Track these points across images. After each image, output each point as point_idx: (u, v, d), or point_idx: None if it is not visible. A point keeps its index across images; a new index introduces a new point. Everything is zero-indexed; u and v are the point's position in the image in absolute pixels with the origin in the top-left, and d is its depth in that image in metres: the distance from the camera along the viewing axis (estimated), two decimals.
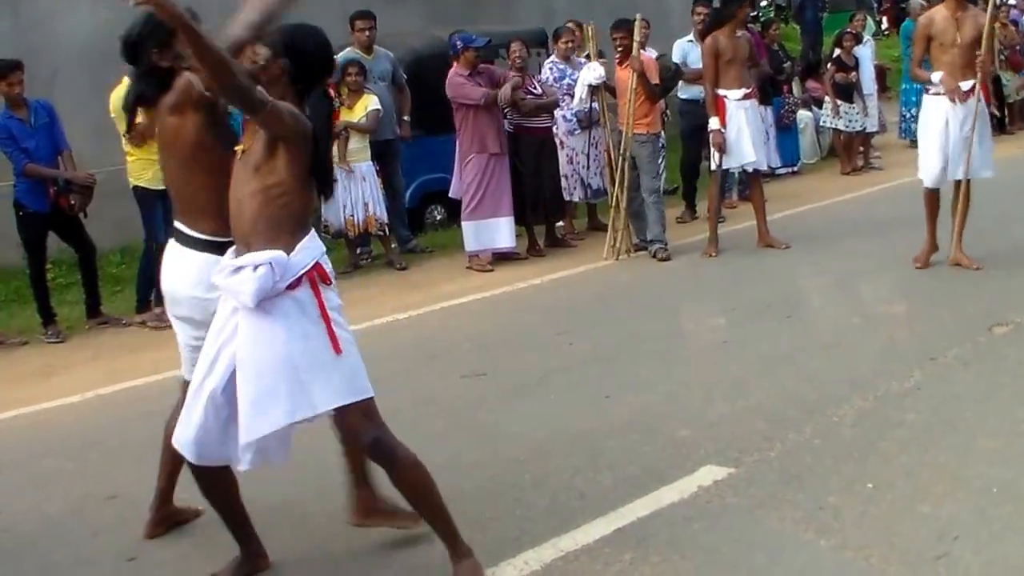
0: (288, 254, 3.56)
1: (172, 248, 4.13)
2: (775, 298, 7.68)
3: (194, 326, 4.06)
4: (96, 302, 8.57)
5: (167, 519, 4.43)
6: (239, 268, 3.56)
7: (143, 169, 8.44)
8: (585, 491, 4.56)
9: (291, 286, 3.58)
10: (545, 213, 10.20)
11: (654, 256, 9.40)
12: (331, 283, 3.70)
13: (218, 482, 3.88)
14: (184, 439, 3.70)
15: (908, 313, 6.97)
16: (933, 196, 7.97)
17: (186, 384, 4.17)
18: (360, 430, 3.71)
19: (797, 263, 8.81)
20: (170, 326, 4.38)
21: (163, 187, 8.47)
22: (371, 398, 3.69)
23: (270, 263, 3.51)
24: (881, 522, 4.10)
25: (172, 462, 4.25)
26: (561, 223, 10.72)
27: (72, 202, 8.03)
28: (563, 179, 10.38)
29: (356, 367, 3.68)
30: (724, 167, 9.38)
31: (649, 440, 5.08)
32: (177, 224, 4.12)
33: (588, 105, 10.16)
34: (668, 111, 11.09)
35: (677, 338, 6.93)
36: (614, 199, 9.65)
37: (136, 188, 8.50)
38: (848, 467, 4.62)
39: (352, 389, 3.63)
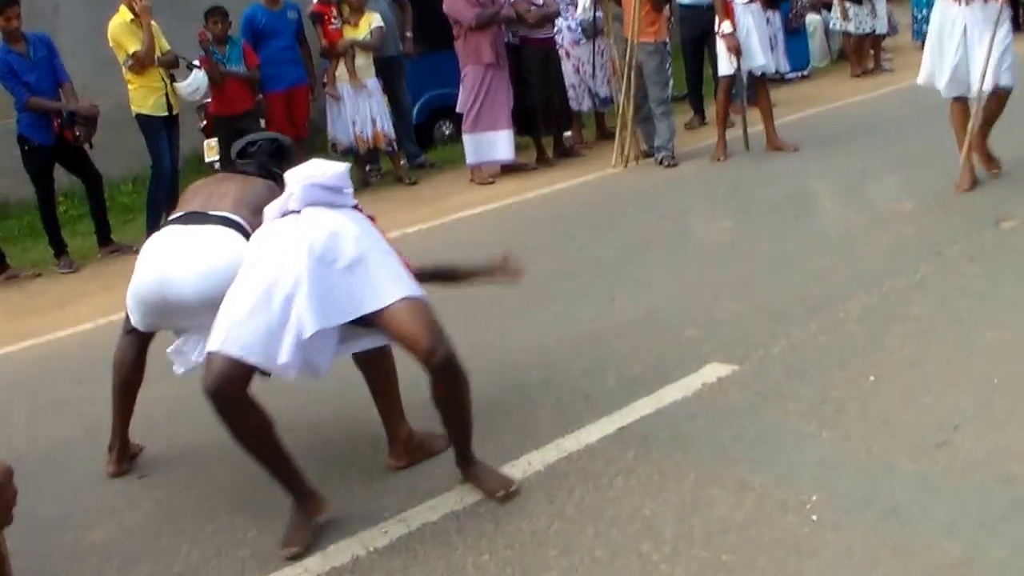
0: None
1: (213, 231, 3.91)
2: (783, 200, 7.60)
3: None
4: (106, 231, 8.58)
5: (127, 454, 4.39)
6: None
7: (145, 96, 8.42)
8: (590, 392, 4.55)
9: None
10: (549, 124, 10.10)
11: (660, 163, 9.34)
12: None
13: (256, 422, 3.48)
14: (248, 343, 3.36)
15: (915, 210, 6.87)
16: (960, 108, 7.20)
17: (128, 327, 4.17)
18: (437, 340, 3.47)
19: (805, 165, 8.71)
20: None
21: (166, 113, 8.51)
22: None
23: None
24: (883, 413, 4.07)
25: (126, 398, 4.24)
26: (569, 133, 10.63)
27: (77, 133, 8.00)
28: (570, 89, 10.26)
29: None
30: (739, 71, 9.19)
31: (655, 340, 5.06)
32: (219, 213, 3.96)
33: (592, 14, 10.01)
34: (673, 18, 10.91)
35: (684, 240, 6.87)
36: (621, 108, 9.53)
37: (139, 116, 8.48)
38: (852, 361, 4.58)
39: (421, 289, 3.64)
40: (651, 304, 5.62)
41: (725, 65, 9.13)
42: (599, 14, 9.95)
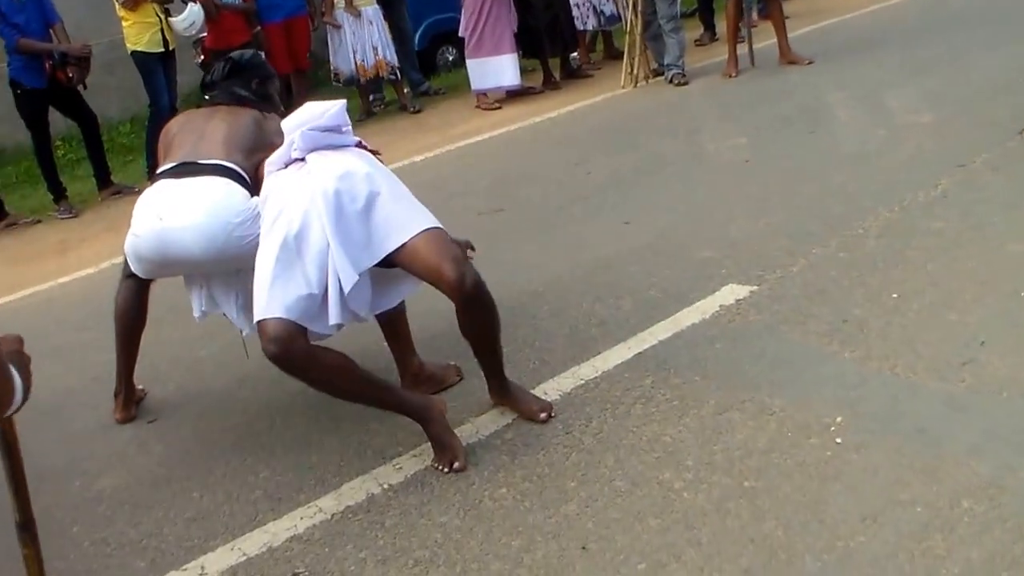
0: None
1: (213, 182, 3.80)
2: (798, 114, 7.48)
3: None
4: (106, 173, 8.50)
5: (133, 399, 4.33)
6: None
7: (140, 33, 8.28)
8: (605, 318, 4.49)
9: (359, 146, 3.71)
10: (562, 44, 9.95)
11: (670, 81, 9.20)
12: None
13: (330, 366, 3.38)
14: (291, 302, 3.28)
15: (935, 122, 6.74)
16: None
17: (127, 271, 4.08)
18: (463, 268, 3.38)
19: (820, 78, 8.56)
20: None
21: (162, 49, 8.38)
22: None
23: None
24: (907, 331, 4.00)
25: (129, 344, 4.17)
26: (575, 54, 10.47)
27: (70, 75, 7.88)
28: (575, 8, 10.08)
29: None
30: None
31: (669, 263, 5.00)
32: (213, 160, 3.86)
33: None
34: None
35: (697, 160, 6.76)
36: (629, 24, 9.37)
37: (135, 53, 8.35)
38: (873, 279, 4.51)
39: (438, 221, 3.54)
40: (665, 226, 5.55)
41: None
42: None
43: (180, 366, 4.72)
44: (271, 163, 3.68)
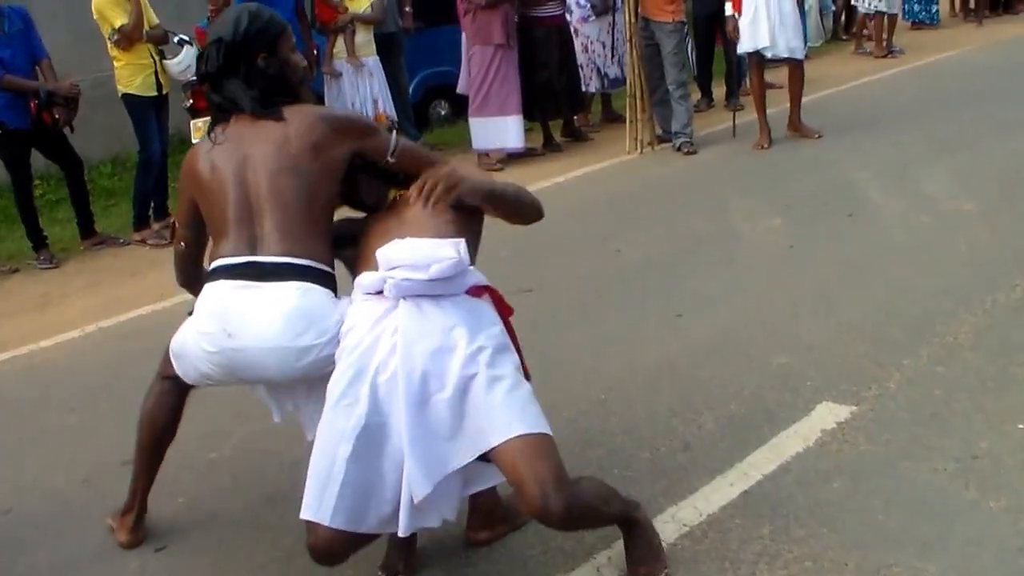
0: None
1: (261, 291, 2.91)
2: (828, 194, 6.81)
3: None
4: (89, 221, 7.57)
5: (144, 520, 3.47)
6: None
7: (132, 75, 7.42)
8: (688, 440, 3.72)
9: (472, 292, 2.86)
10: (559, 107, 9.22)
11: (679, 149, 8.55)
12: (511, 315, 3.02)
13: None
14: (356, 511, 2.67)
15: (981, 211, 6.10)
16: None
17: (168, 371, 3.20)
18: (551, 496, 2.57)
19: (837, 153, 7.94)
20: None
21: (155, 93, 7.51)
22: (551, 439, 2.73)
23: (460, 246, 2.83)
24: None
25: (154, 456, 3.33)
26: (576, 116, 9.78)
27: (56, 116, 6.99)
28: (578, 69, 9.39)
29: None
30: (738, 52, 8.60)
31: (743, 369, 4.25)
32: (282, 259, 2.94)
33: None
34: None
35: (735, 242, 6.01)
36: (636, 88, 8.68)
37: (126, 96, 7.47)
38: (987, 401, 3.81)
39: (538, 420, 2.71)
40: (724, 323, 4.80)
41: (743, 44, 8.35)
42: None
43: (188, 473, 3.83)
44: (361, 285, 2.88)
